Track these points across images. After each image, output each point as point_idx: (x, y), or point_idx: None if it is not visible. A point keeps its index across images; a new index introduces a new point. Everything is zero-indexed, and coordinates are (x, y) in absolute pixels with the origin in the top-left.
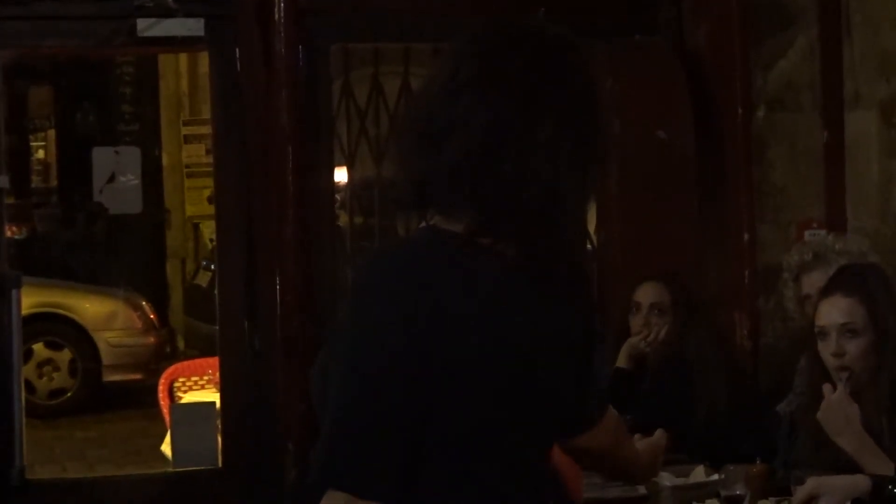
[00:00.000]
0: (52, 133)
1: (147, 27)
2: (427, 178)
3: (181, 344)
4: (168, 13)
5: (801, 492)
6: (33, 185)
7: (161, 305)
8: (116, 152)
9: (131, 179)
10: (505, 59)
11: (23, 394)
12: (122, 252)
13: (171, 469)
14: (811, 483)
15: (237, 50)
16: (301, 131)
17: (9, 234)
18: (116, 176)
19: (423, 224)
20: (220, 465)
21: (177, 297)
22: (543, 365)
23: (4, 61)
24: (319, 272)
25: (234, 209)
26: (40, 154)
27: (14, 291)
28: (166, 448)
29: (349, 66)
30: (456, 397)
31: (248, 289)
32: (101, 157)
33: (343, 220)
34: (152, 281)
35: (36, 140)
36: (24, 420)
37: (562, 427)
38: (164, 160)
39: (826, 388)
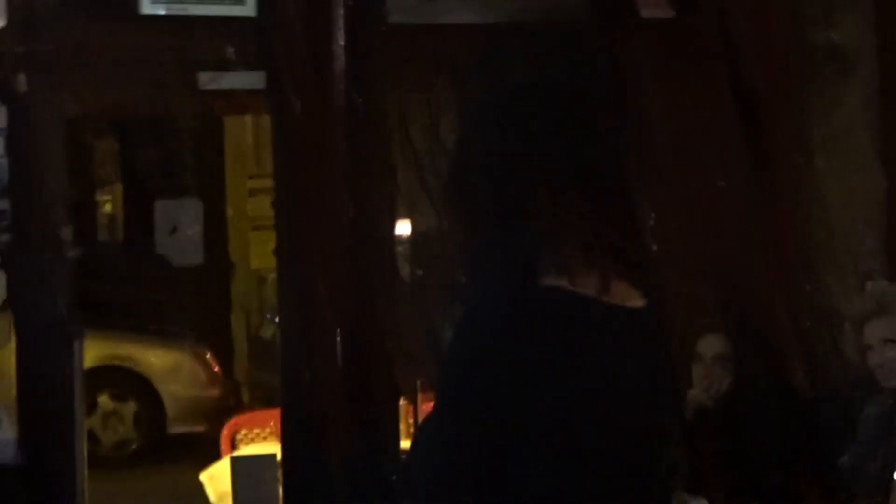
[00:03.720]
0: (118, 186)
1: (209, 80)
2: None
3: (246, 396)
4: (228, 66)
5: None
6: (100, 238)
7: (226, 357)
8: (179, 205)
9: (193, 231)
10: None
11: (84, 445)
12: (188, 304)
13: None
14: None
15: (298, 102)
16: (360, 179)
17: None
18: (179, 228)
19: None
20: None
21: (241, 349)
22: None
23: (69, 115)
24: (381, 324)
25: (297, 260)
26: (108, 207)
27: (76, 343)
28: (205, 477)
29: (407, 114)
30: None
31: (310, 342)
32: (164, 210)
33: (405, 271)
34: (218, 333)
35: (103, 193)
36: (86, 471)
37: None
38: (230, 212)
39: None
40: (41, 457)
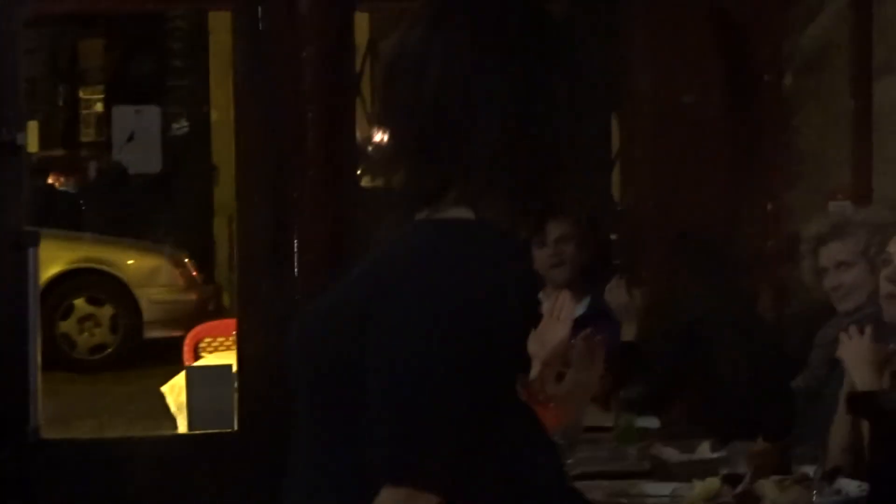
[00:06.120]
0: (102, 88)
1: None
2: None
3: (227, 301)
4: None
5: None
6: (83, 139)
7: (208, 262)
8: (137, 111)
9: (151, 139)
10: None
11: (39, 354)
12: (169, 208)
13: (177, 430)
14: None
15: (259, 8)
16: (324, 93)
17: (56, 184)
18: (136, 135)
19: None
20: (235, 427)
21: (223, 254)
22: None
23: (54, 12)
24: (340, 233)
25: (256, 167)
26: (98, 107)
27: (31, 250)
28: (166, 388)
29: (374, 26)
30: (501, 382)
31: (269, 248)
32: (121, 117)
33: (366, 181)
34: (199, 237)
35: (94, 93)
36: (40, 380)
37: None
38: (214, 116)
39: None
40: None
